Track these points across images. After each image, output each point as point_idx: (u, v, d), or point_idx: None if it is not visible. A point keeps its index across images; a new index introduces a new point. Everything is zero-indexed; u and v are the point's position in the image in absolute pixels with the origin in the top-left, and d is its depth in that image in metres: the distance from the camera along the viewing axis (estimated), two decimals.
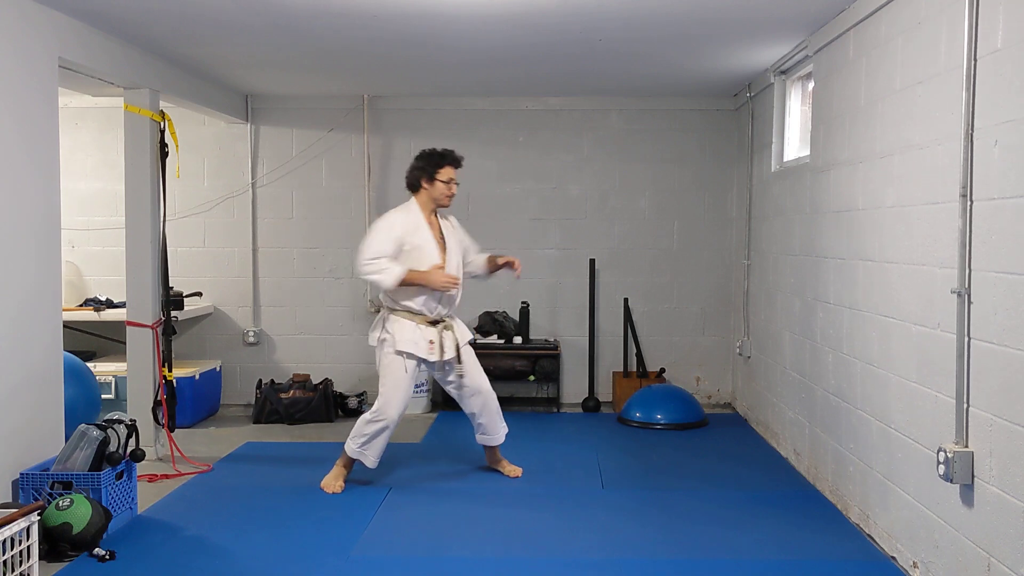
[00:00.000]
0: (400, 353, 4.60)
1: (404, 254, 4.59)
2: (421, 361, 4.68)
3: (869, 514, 3.98)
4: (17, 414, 3.96)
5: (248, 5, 4.23)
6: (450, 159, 4.73)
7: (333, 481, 4.72)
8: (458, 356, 4.73)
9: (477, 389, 4.82)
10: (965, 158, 3.07)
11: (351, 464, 4.78)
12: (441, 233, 4.74)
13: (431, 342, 4.63)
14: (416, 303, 4.62)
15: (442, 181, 4.69)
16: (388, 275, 4.50)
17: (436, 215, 4.79)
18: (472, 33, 4.76)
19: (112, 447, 4.06)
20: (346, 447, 4.74)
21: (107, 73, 4.82)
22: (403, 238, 4.60)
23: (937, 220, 3.30)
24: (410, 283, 4.53)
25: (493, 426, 4.91)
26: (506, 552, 3.80)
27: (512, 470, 5.02)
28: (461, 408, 4.95)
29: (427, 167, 4.70)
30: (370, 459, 4.72)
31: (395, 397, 4.61)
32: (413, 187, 4.75)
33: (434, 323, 4.68)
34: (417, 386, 6.67)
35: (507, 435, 5.00)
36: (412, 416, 6.62)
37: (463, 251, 4.86)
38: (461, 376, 4.77)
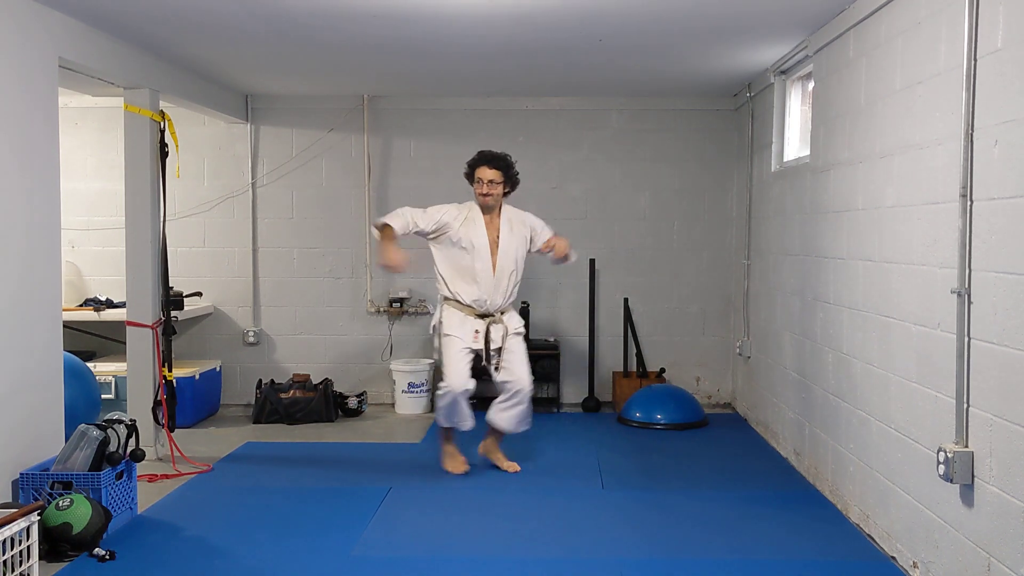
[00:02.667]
0: (449, 335, 4.88)
1: (448, 240, 4.86)
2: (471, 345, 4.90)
3: (869, 514, 3.98)
4: (17, 414, 3.96)
5: (248, 6, 4.23)
6: (482, 159, 4.94)
7: (452, 462, 4.99)
8: (499, 349, 4.91)
9: (516, 376, 4.94)
10: (965, 158, 3.07)
11: (451, 436, 5.03)
12: (499, 234, 4.92)
13: (476, 331, 4.88)
14: (462, 297, 4.89)
15: (476, 182, 4.92)
16: (386, 217, 4.83)
17: (499, 215, 4.95)
18: (472, 33, 4.76)
19: (112, 447, 4.05)
20: (439, 422, 5.00)
21: (107, 73, 4.82)
22: (449, 224, 4.85)
23: (937, 220, 3.30)
24: (380, 238, 4.80)
25: (512, 419, 4.99)
26: (506, 552, 3.80)
27: (509, 465, 5.09)
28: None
29: (468, 170, 5.00)
30: (464, 424, 4.93)
31: (452, 370, 4.82)
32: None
33: (482, 316, 4.90)
34: (416, 386, 6.69)
35: (507, 435, 5.10)
36: (412, 416, 6.63)
37: (532, 244, 5.01)
38: (500, 368, 4.93)
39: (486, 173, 4.88)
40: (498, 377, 4.95)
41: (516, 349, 4.96)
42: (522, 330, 5.06)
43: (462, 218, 4.88)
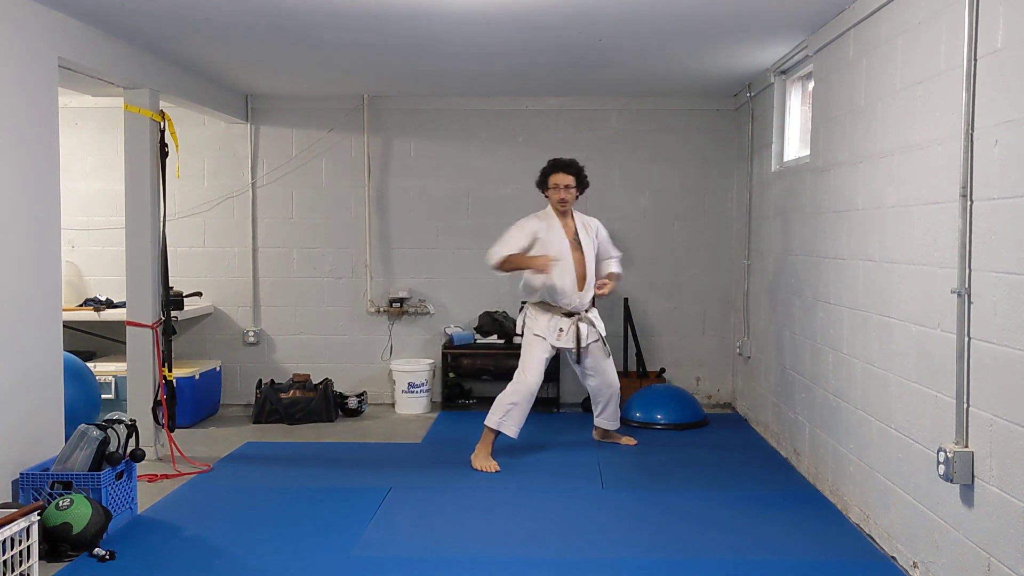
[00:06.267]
0: (536, 336, 5.20)
1: (537, 248, 5.15)
2: (556, 346, 5.24)
3: (869, 514, 3.98)
4: (17, 414, 3.96)
5: (248, 5, 4.23)
6: (556, 166, 5.29)
7: (485, 461, 5.07)
8: (580, 347, 5.27)
9: (605, 382, 5.44)
10: (965, 158, 3.07)
11: (493, 438, 5.16)
12: (577, 234, 5.28)
13: (560, 330, 5.19)
14: (547, 296, 5.22)
15: (551, 188, 5.27)
16: (493, 256, 5.13)
17: (572, 218, 5.34)
18: (472, 33, 4.76)
19: (112, 447, 4.06)
20: (487, 421, 5.16)
21: (107, 73, 4.82)
22: (537, 232, 5.19)
23: (937, 220, 3.30)
24: (512, 266, 5.13)
25: (610, 415, 5.57)
26: (506, 552, 3.80)
27: (626, 440, 5.66)
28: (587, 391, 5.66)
29: (541, 178, 5.35)
30: (511, 429, 5.15)
31: (531, 368, 5.17)
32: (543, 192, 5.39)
33: (569, 315, 5.22)
34: (416, 386, 6.69)
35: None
36: (412, 416, 6.63)
37: (596, 252, 5.37)
38: (593, 372, 5.39)
39: (561, 179, 5.23)
40: (590, 383, 5.48)
41: (601, 354, 5.37)
42: (604, 334, 5.38)
43: (545, 226, 5.23)
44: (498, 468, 5.05)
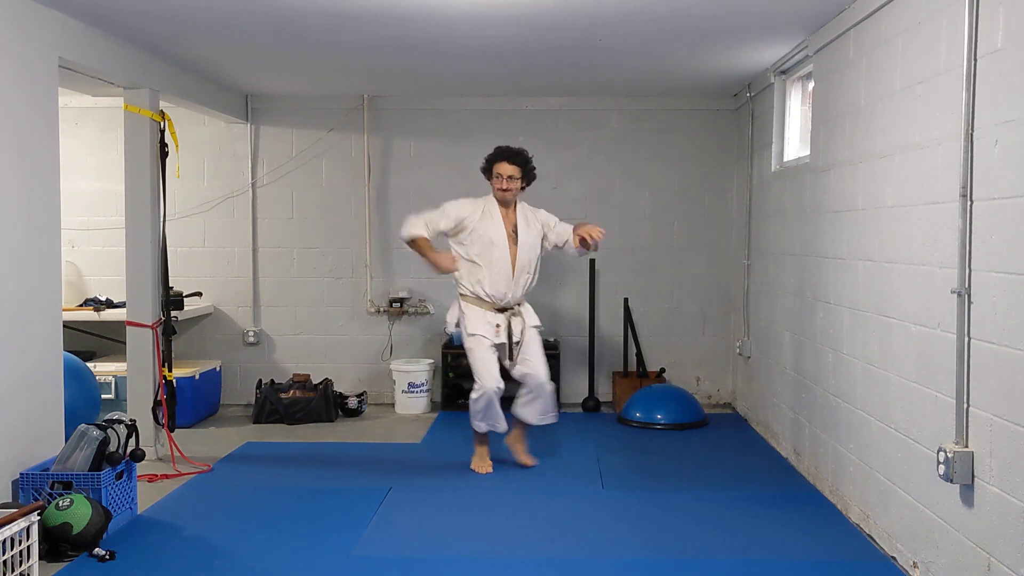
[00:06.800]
0: (473, 335, 4.91)
1: (466, 235, 4.92)
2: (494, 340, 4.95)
3: (869, 514, 3.98)
4: (17, 414, 3.96)
5: (248, 6, 4.23)
6: (501, 154, 5.01)
7: (480, 462, 5.05)
8: (512, 343, 4.98)
9: (532, 372, 4.99)
10: (965, 158, 3.07)
11: (486, 439, 5.08)
12: (516, 226, 4.99)
13: (497, 326, 4.93)
14: (482, 290, 4.93)
15: (494, 177, 4.99)
16: (407, 228, 4.92)
17: (515, 209, 5.03)
18: (472, 33, 4.76)
19: (112, 447, 4.06)
20: (474, 427, 5.02)
21: (107, 73, 4.82)
22: (467, 220, 4.90)
23: (937, 220, 3.30)
24: (418, 251, 4.94)
25: (534, 411, 5.08)
26: (506, 552, 3.80)
27: (526, 459, 5.19)
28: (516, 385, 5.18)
29: (486, 164, 5.06)
30: (498, 426, 4.99)
31: (483, 370, 4.88)
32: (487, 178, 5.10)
33: (501, 310, 4.96)
34: (416, 386, 6.69)
35: (531, 427, 5.18)
36: (412, 416, 6.63)
37: (546, 240, 5.08)
38: (517, 362, 5.01)
39: (505, 168, 4.96)
40: (515, 372, 5.03)
41: (532, 343, 5.03)
42: (539, 324, 5.12)
43: (479, 212, 4.95)
44: (491, 470, 5.03)
